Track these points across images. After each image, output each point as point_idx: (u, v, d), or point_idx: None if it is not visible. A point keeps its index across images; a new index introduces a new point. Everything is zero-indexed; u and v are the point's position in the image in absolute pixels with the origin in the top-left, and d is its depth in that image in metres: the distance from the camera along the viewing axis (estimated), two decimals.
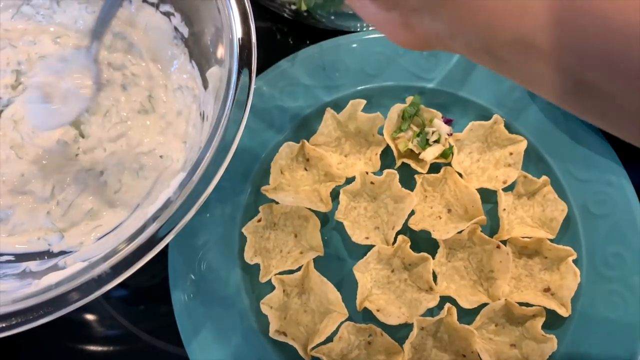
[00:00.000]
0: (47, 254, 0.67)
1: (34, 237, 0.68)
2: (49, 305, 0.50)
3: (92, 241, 0.67)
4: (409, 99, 0.76)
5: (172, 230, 0.53)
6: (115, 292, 0.79)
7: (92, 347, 0.76)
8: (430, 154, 0.73)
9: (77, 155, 0.70)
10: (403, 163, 0.74)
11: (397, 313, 0.68)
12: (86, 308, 0.78)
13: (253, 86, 0.59)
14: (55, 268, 0.63)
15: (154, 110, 0.74)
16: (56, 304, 0.51)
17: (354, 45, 0.79)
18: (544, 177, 0.72)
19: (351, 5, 0.47)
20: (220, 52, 0.64)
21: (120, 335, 0.77)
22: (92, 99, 0.65)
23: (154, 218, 0.53)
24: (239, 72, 0.59)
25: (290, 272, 0.70)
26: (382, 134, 0.75)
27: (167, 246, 0.71)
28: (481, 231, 0.70)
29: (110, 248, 0.53)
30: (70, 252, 0.66)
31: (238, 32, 0.61)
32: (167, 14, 0.74)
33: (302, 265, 0.69)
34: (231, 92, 0.58)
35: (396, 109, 0.75)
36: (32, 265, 0.64)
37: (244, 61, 0.60)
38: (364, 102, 0.75)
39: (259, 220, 0.72)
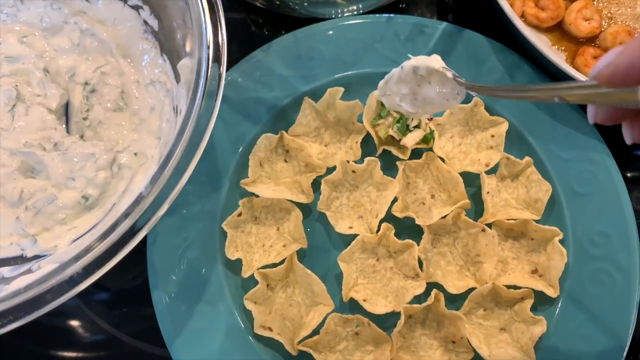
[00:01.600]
0: (20, 259, 0.65)
1: (7, 242, 0.65)
2: (18, 310, 0.48)
3: (67, 244, 0.65)
4: None
5: (145, 225, 0.51)
6: (96, 295, 0.77)
7: (75, 354, 0.74)
8: (411, 140, 0.71)
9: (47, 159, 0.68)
10: (384, 150, 0.73)
11: (384, 302, 0.67)
12: (67, 313, 0.76)
13: (224, 75, 0.57)
14: (28, 272, 0.60)
15: (127, 106, 0.72)
16: (26, 308, 0.49)
17: (330, 33, 0.77)
18: (527, 158, 0.71)
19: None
20: (190, 43, 0.62)
21: (103, 340, 0.75)
22: None
23: (125, 214, 0.51)
24: (209, 62, 0.58)
25: (274, 265, 0.68)
26: (362, 122, 0.74)
27: (145, 246, 0.69)
28: (466, 215, 0.69)
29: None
30: (45, 255, 0.64)
31: (206, 21, 0.60)
32: (136, 8, 0.72)
33: (285, 258, 0.68)
34: (201, 82, 0.56)
35: (375, 95, 0.73)
36: (5, 271, 0.62)
37: (213, 50, 0.58)
38: (342, 90, 0.74)
39: (240, 215, 0.70)
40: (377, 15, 0.78)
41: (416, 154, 0.73)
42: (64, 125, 0.72)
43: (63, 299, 0.49)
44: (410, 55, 0.57)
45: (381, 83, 0.62)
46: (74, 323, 0.76)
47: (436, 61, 0.55)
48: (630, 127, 0.43)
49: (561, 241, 0.68)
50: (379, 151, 0.73)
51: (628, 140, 0.43)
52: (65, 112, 0.73)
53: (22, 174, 0.66)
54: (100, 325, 0.75)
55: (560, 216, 0.70)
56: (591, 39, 0.78)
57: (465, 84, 0.52)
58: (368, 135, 0.74)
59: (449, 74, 0.54)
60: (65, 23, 0.74)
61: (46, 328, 0.75)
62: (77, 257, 0.50)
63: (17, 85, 0.69)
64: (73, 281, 0.49)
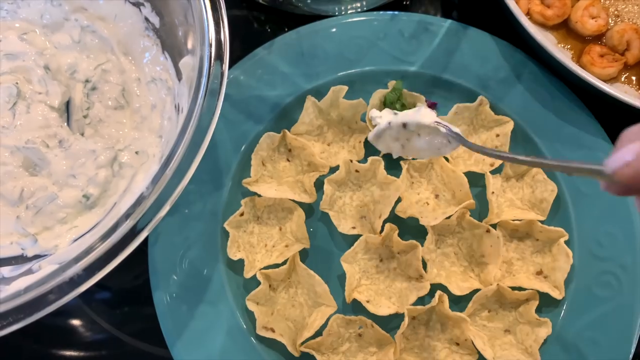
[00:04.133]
0: (21, 259, 0.64)
1: (7, 241, 0.65)
2: (18, 312, 0.48)
3: (67, 243, 0.64)
4: (391, 83, 0.73)
5: (146, 226, 0.50)
6: (97, 295, 0.76)
7: (75, 353, 0.74)
8: None
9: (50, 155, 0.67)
10: None
11: (387, 303, 0.66)
12: (68, 313, 0.75)
13: (226, 73, 0.56)
14: (28, 273, 0.60)
15: (128, 104, 0.72)
16: (26, 310, 0.48)
17: (333, 30, 0.76)
18: None
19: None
20: (192, 40, 0.61)
21: (103, 340, 0.74)
22: None
23: (126, 215, 0.50)
24: (211, 60, 0.57)
25: (276, 266, 0.67)
26: (365, 121, 0.73)
27: (147, 245, 0.69)
28: (470, 216, 0.68)
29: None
30: (45, 255, 0.64)
31: (208, 18, 0.59)
32: (137, 4, 0.71)
33: (287, 259, 0.67)
34: (203, 80, 0.56)
35: (378, 94, 0.73)
36: (6, 271, 0.61)
37: (215, 48, 0.57)
38: (345, 88, 0.73)
39: (242, 214, 0.69)
40: (381, 12, 0.77)
41: None
42: (65, 123, 0.71)
43: (63, 301, 0.48)
44: (395, 112, 0.57)
45: (372, 137, 0.61)
46: (75, 322, 0.75)
47: (426, 116, 0.54)
48: None
49: (566, 242, 0.67)
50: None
51: None
52: (67, 109, 0.72)
53: (25, 170, 0.66)
54: (101, 324, 0.74)
55: (566, 216, 0.70)
56: (598, 37, 0.77)
57: (459, 139, 0.51)
58: None
59: (443, 130, 0.52)
60: (65, 20, 0.73)
61: (47, 327, 0.75)
62: (77, 259, 0.49)
63: (17, 83, 0.69)
64: (73, 283, 0.49)
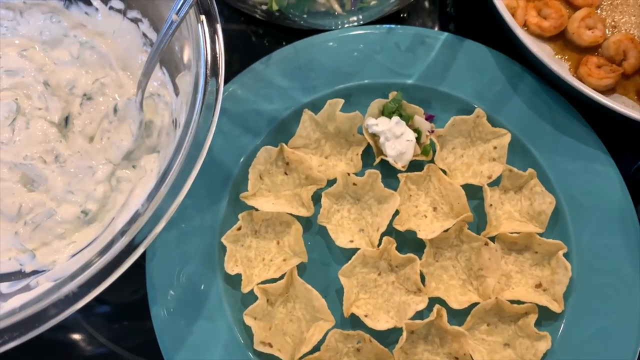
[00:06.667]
0: (20, 274, 0.64)
1: (5, 257, 0.65)
2: (14, 330, 0.48)
3: (66, 259, 0.64)
4: (393, 94, 0.74)
5: (142, 243, 0.50)
6: (96, 309, 0.76)
7: None
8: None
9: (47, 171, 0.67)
10: (386, 162, 0.72)
11: (386, 318, 0.66)
12: (66, 327, 0.75)
13: (222, 88, 0.57)
14: (26, 289, 0.60)
15: (125, 119, 0.72)
16: (23, 327, 0.48)
17: (330, 44, 0.77)
18: (530, 170, 0.70)
19: None
20: (188, 56, 0.62)
21: (101, 354, 0.74)
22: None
23: (122, 232, 0.50)
24: (207, 75, 0.57)
25: (274, 280, 0.67)
26: (362, 133, 0.73)
27: (145, 260, 0.69)
28: (468, 228, 0.68)
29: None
30: (44, 270, 0.64)
31: (204, 34, 0.59)
32: (135, 20, 0.72)
33: (285, 273, 0.67)
34: (199, 95, 0.56)
35: (377, 104, 0.73)
36: (3, 287, 0.62)
37: (211, 63, 0.58)
38: (342, 101, 0.73)
39: (239, 229, 0.69)
40: (377, 26, 0.78)
41: (418, 166, 0.72)
42: (64, 139, 0.71)
43: (59, 319, 0.49)
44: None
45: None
46: (74, 337, 0.75)
47: None
48: None
49: (565, 254, 0.66)
50: (377, 160, 0.72)
51: None
52: (66, 124, 0.72)
53: (23, 186, 0.66)
54: (99, 339, 0.74)
55: (564, 228, 0.69)
56: (595, 48, 0.77)
57: None
58: (369, 146, 0.73)
59: None
60: (64, 36, 0.74)
61: (46, 341, 0.75)
62: (73, 276, 0.50)
63: (17, 99, 0.69)
64: (69, 300, 0.49)
